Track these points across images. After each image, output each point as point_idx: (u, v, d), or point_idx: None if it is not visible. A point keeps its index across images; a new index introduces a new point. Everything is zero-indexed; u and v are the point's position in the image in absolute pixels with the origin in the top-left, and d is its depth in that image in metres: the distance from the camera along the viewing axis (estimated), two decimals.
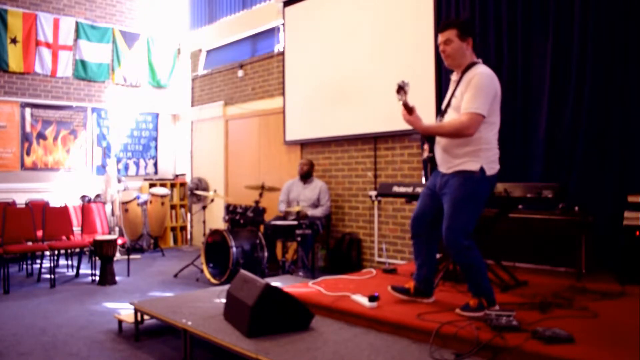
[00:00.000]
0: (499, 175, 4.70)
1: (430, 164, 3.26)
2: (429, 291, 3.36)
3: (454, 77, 3.17)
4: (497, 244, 4.20)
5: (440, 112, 3.21)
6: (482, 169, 2.97)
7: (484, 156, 2.98)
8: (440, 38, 3.09)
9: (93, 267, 6.13)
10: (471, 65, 3.05)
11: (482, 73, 2.97)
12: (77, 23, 8.25)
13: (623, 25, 4.14)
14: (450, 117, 3.07)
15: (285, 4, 7.10)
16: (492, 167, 3.03)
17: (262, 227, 6.03)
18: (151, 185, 8.67)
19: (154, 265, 7.06)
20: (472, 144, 2.97)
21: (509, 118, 4.80)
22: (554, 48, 4.49)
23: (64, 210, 6.29)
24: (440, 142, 3.11)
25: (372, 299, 3.25)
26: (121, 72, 8.73)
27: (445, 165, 3.09)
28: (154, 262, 7.32)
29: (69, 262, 6.91)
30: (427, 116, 3.25)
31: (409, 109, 3.02)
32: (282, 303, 3.06)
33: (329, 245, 6.46)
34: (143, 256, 7.77)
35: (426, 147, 3.27)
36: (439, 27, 3.12)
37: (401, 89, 2.95)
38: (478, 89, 2.91)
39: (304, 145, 7.00)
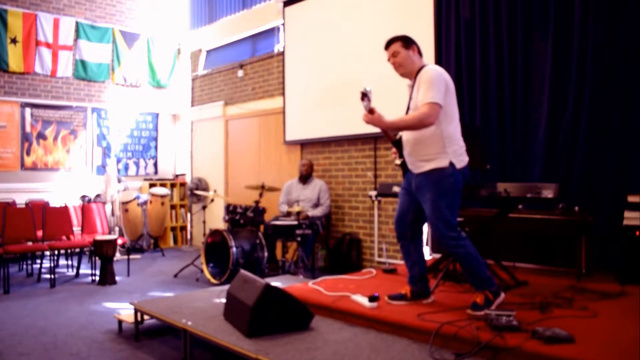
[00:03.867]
0: (499, 175, 4.76)
1: (402, 169, 3.37)
2: (426, 291, 3.38)
3: (409, 83, 3.31)
4: (497, 244, 4.21)
5: None
6: (451, 164, 3.08)
7: (450, 151, 3.10)
8: (388, 54, 3.30)
9: (93, 267, 6.13)
10: (421, 68, 3.21)
11: (429, 69, 3.14)
12: (77, 23, 8.24)
13: (623, 25, 4.15)
14: None
15: (285, 4, 7.10)
16: (461, 160, 3.15)
17: (262, 227, 6.04)
18: (151, 185, 8.67)
19: (154, 265, 7.07)
20: (437, 142, 3.09)
21: (509, 118, 4.82)
22: (554, 48, 4.50)
23: (64, 210, 6.29)
24: (406, 145, 3.24)
25: (372, 299, 3.25)
26: (121, 72, 8.73)
27: (415, 166, 3.22)
28: (154, 262, 7.32)
29: (69, 262, 6.91)
30: None
31: (370, 111, 3.11)
32: (282, 303, 3.06)
33: (329, 245, 6.46)
34: (143, 256, 7.77)
35: (396, 152, 3.38)
36: (384, 46, 3.31)
37: (365, 96, 3.05)
38: (428, 82, 3.06)
39: (304, 145, 7.01)
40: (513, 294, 3.48)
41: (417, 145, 3.16)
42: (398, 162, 3.36)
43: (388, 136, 3.36)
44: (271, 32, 7.75)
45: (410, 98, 3.25)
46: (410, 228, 3.37)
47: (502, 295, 3.09)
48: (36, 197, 7.51)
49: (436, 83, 3.04)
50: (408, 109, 3.26)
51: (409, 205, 3.35)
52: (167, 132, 9.43)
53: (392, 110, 5.67)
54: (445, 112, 3.07)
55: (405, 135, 3.26)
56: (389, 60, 3.30)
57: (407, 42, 3.25)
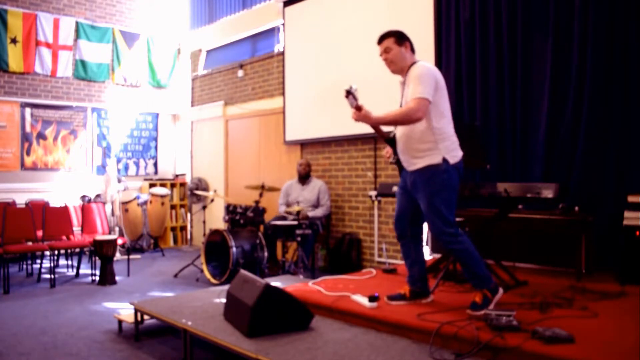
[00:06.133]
0: (499, 175, 4.76)
1: (398, 166, 3.36)
2: (426, 290, 3.38)
3: (400, 80, 3.30)
4: (497, 244, 4.20)
5: None
6: (444, 160, 3.07)
7: (442, 147, 3.09)
8: (380, 49, 3.27)
9: (93, 267, 6.13)
10: (412, 65, 3.20)
11: (419, 66, 3.14)
12: (77, 23, 8.24)
13: (623, 25, 4.15)
14: None
15: (285, 4, 7.10)
16: (454, 156, 3.13)
17: (262, 227, 6.03)
18: (151, 185, 8.67)
19: (154, 265, 7.06)
20: (428, 136, 3.09)
21: (509, 118, 4.82)
22: (554, 48, 4.50)
23: (64, 210, 6.28)
24: (399, 142, 3.24)
25: (372, 299, 3.25)
26: (121, 72, 8.73)
27: (409, 163, 3.21)
28: (154, 262, 7.32)
29: (69, 262, 6.91)
30: None
31: (358, 108, 3.08)
32: (282, 303, 3.06)
33: (329, 245, 6.46)
34: (143, 256, 7.77)
35: (390, 151, 3.38)
36: (377, 41, 3.29)
37: (349, 94, 3.03)
38: (417, 78, 3.06)
39: (304, 145, 7.01)
40: (513, 294, 3.49)
41: (409, 142, 3.15)
42: (392, 160, 3.36)
43: (380, 134, 3.33)
44: (271, 32, 7.75)
45: (402, 96, 3.25)
46: (410, 227, 3.37)
47: (501, 291, 3.09)
48: (36, 197, 7.51)
49: (425, 78, 3.04)
50: (400, 106, 3.25)
51: (406, 204, 3.34)
52: (167, 132, 9.43)
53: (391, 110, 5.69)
54: (435, 108, 3.06)
55: (398, 133, 3.25)
56: (380, 55, 3.27)
57: (400, 38, 3.22)
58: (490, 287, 3.06)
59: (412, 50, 3.26)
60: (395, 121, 3.10)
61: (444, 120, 3.13)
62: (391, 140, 3.32)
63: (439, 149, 3.08)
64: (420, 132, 3.09)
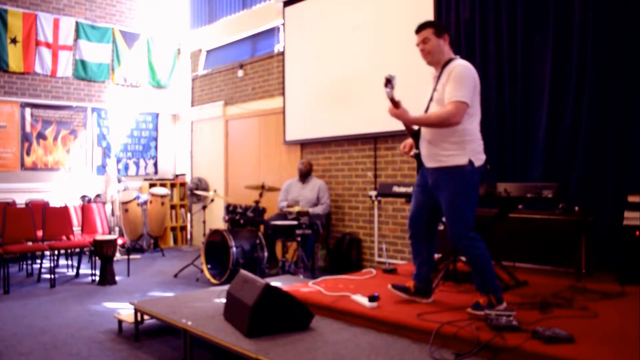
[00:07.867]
0: (499, 175, 4.76)
1: (417, 161, 3.27)
2: (429, 291, 3.37)
3: (434, 73, 3.24)
4: (497, 244, 4.20)
5: (424, 110, 3.23)
6: (470, 162, 3.02)
7: (469, 148, 3.03)
8: (418, 38, 3.20)
9: (93, 267, 6.13)
10: (450, 60, 3.14)
11: (461, 64, 3.05)
12: (77, 23, 8.24)
13: (623, 25, 4.15)
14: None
15: (285, 4, 7.10)
16: (479, 158, 3.08)
17: (262, 227, 6.03)
18: (151, 185, 8.67)
19: (154, 265, 7.06)
20: (456, 136, 3.02)
21: (509, 118, 4.82)
22: (554, 48, 4.50)
23: (64, 210, 6.28)
24: (425, 137, 3.15)
25: (372, 299, 3.25)
26: (121, 72, 8.73)
27: (432, 160, 3.12)
28: (154, 262, 7.32)
29: (69, 262, 6.91)
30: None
31: (395, 103, 3.05)
32: (282, 303, 3.06)
33: (329, 245, 6.46)
34: (143, 256, 7.77)
35: (410, 144, 3.29)
36: (415, 29, 3.21)
37: (389, 82, 2.99)
38: (459, 79, 2.98)
39: (304, 145, 7.01)
40: (513, 294, 3.48)
41: (436, 140, 3.06)
42: (412, 154, 3.27)
43: (408, 129, 3.24)
44: (271, 32, 7.75)
45: (434, 89, 3.15)
46: (424, 227, 3.28)
47: (504, 304, 3.04)
48: (36, 197, 7.51)
49: (466, 81, 2.97)
50: (431, 99, 3.18)
51: (424, 203, 3.25)
52: (167, 132, 9.43)
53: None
54: (468, 110, 2.99)
55: (424, 128, 3.16)
56: (417, 45, 3.19)
57: (439, 29, 3.15)
58: (497, 296, 3.00)
59: (450, 43, 3.19)
60: (433, 124, 3.03)
61: (474, 122, 3.07)
62: (416, 134, 3.22)
63: (465, 150, 3.01)
64: (449, 130, 3.00)
